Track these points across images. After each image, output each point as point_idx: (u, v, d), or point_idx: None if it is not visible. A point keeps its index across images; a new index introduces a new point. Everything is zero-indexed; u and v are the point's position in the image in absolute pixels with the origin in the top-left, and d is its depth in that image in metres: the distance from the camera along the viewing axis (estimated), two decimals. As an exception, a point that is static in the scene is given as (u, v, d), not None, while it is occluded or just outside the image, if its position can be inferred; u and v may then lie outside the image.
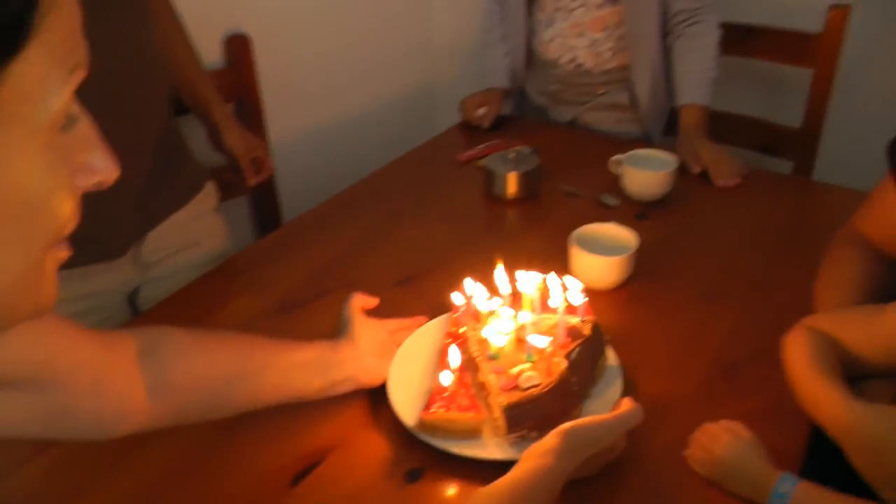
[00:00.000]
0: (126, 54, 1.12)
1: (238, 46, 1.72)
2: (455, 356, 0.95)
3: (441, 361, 0.97)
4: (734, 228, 1.40)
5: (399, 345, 1.04)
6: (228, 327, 1.11)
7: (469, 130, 1.85)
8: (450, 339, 1.01)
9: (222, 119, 1.46)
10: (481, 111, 1.83)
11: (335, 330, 1.00)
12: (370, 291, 1.07)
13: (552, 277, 1.01)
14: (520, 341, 0.95)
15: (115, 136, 0.47)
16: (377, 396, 0.99)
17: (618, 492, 0.87)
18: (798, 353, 0.87)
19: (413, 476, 0.89)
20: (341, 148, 2.13)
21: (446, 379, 0.93)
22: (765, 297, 1.18)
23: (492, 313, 0.98)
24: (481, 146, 1.72)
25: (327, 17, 2.05)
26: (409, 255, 1.35)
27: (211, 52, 1.69)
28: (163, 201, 1.32)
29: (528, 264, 1.05)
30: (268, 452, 0.94)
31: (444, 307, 1.10)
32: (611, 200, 1.49)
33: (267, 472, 0.92)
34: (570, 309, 0.98)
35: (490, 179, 1.52)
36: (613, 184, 1.52)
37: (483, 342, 0.96)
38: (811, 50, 1.72)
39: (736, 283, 1.23)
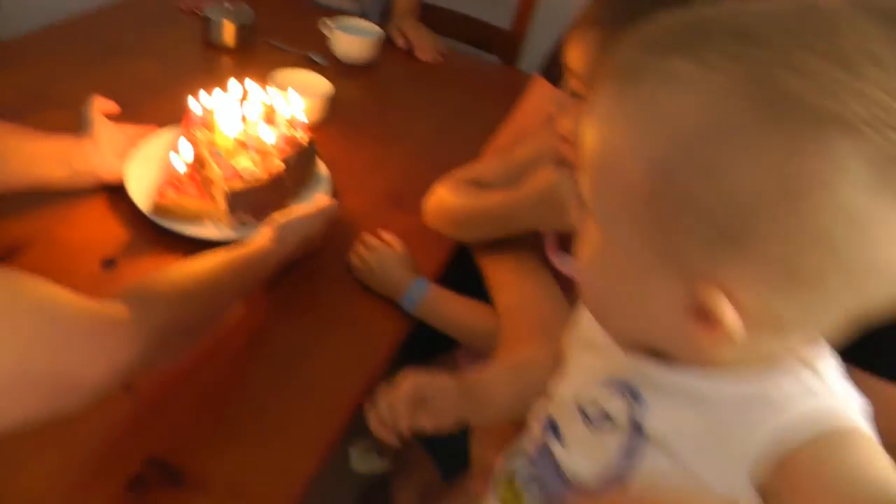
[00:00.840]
0: None
1: None
2: (186, 148, 1.08)
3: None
4: (426, 95, 1.66)
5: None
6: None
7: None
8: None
9: None
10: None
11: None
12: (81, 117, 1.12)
13: (278, 93, 1.17)
14: (243, 145, 1.11)
15: None
16: (111, 191, 1.09)
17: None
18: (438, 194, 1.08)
19: (108, 264, 1.01)
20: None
21: (177, 165, 1.06)
22: (436, 149, 1.44)
23: (222, 116, 1.12)
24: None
25: None
26: (124, 88, 1.39)
27: None
28: None
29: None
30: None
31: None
32: (319, 59, 1.66)
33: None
34: (292, 124, 1.15)
35: (207, 27, 1.62)
36: (324, 46, 1.69)
37: (211, 142, 1.10)
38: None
39: (415, 133, 1.49)
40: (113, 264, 1.01)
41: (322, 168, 1.21)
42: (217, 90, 1.17)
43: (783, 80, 0.38)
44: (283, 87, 1.34)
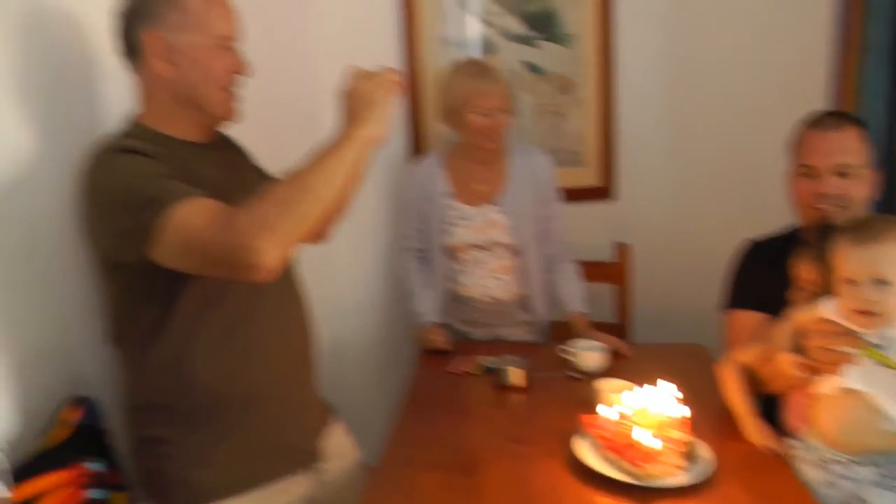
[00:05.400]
0: None
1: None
2: (650, 439, 1.64)
3: (627, 444, 1.65)
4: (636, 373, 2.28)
5: None
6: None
7: (435, 355, 2.52)
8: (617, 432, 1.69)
9: None
10: (441, 339, 2.54)
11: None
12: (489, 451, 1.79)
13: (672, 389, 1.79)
14: (667, 423, 1.68)
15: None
16: (591, 481, 1.63)
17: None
18: (727, 380, 1.83)
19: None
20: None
21: (655, 444, 1.61)
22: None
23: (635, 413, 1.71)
24: (459, 360, 2.43)
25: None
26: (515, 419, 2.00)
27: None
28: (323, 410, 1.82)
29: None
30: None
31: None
32: (576, 374, 2.27)
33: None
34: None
35: (501, 375, 2.22)
36: (565, 364, 2.31)
37: (650, 426, 1.67)
38: (610, 273, 2.86)
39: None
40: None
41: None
42: (627, 393, 1.78)
43: None
44: (604, 391, 1.94)
